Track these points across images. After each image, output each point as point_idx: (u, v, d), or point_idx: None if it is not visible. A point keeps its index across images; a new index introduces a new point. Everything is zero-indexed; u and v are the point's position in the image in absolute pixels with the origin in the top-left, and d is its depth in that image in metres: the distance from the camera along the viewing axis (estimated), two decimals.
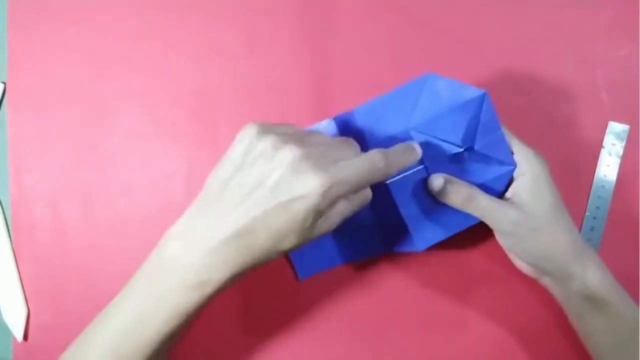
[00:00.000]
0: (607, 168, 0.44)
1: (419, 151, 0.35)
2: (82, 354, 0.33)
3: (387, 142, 0.36)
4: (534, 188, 0.37)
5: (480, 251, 0.44)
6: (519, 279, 0.42)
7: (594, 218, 0.44)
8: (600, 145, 0.45)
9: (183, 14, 0.46)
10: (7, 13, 0.46)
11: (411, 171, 0.37)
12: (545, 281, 0.39)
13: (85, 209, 0.44)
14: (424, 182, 0.38)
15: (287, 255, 0.43)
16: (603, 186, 0.44)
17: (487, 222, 0.37)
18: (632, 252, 0.44)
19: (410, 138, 0.37)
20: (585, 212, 0.44)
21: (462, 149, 0.37)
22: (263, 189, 0.30)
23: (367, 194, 0.34)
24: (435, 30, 0.46)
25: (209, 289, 0.31)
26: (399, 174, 0.37)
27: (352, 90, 0.45)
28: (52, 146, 0.45)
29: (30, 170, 0.45)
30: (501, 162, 0.38)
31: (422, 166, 0.37)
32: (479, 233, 0.40)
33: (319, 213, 0.30)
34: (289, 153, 0.30)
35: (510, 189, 0.38)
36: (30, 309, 0.44)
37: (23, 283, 0.44)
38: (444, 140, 0.37)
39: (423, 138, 0.37)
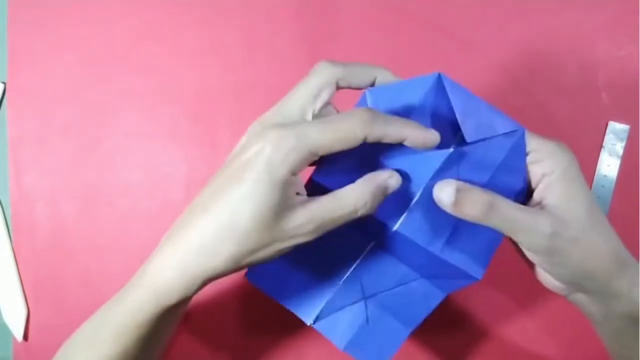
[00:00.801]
0: (607, 168, 0.44)
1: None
2: (73, 353, 0.33)
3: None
4: (565, 188, 0.29)
5: None
6: (519, 279, 0.42)
7: None
8: (600, 145, 0.45)
9: (183, 14, 0.46)
10: (7, 13, 0.46)
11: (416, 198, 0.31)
12: (580, 299, 0.32)
13: (85, 209, 0.44)
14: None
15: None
16: (603, 186, 0.44)
17: (516, 237, 0.29)
18: (632, 252, 0.44)
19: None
20: None
21: (452, 148, 0.31)
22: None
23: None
24: (435, 30, 0.46)
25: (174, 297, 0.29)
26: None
27: (352, 90, 0.45)
28: (52, 146, 0.45)
29: (30, 170, 0.45)
30: (506, 134, 0.30)
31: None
32: None
33: (276, 176, 0.26)
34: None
35: (535, 194, 0.31)
36: (30, 309, 0.44)
37: (23, 283, 0.44)
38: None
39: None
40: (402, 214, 0.31)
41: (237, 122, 0.44)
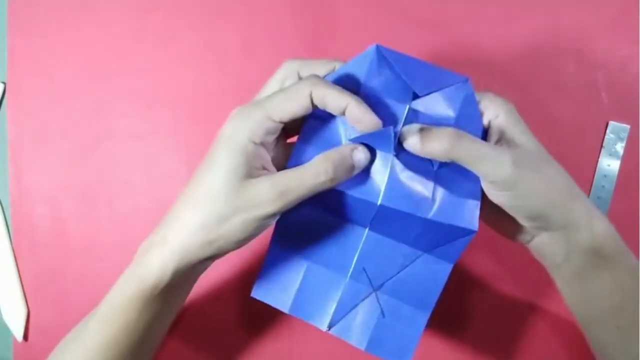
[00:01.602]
0: (607, 168, 0.44)
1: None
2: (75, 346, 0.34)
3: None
4: (513, 127, 0.32)
5: (481, 251, 0.44)
6: (519, 279, 0.42)
7: None
8: (600, 145, 0.45)
9: (183, 14, 0.46)
10: (7, 13, 0.46)
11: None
12: (542, 241, 0.33)
13: (85, 209, 0.44)
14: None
15: None
16: (603, 186, 0.44)
17: (481, 170, 0.30)
18: (632, 252, 0.44)
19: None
20: None
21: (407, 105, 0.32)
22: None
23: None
24: (435, 31, 0.46)
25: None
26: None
27: None
28: (52, 146, 0.45)
29: (30, 170, 0.45)
30: (455, 86, 0.32)
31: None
32: (479, 232, 0.40)
33: (236, 142, 0.29)
34: None
35: (490, 133, 0.32)
36: (30, 309, 0.44)
37: (23, 283, 0.44)
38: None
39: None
40: (381, 187, 0.31)
41: None
